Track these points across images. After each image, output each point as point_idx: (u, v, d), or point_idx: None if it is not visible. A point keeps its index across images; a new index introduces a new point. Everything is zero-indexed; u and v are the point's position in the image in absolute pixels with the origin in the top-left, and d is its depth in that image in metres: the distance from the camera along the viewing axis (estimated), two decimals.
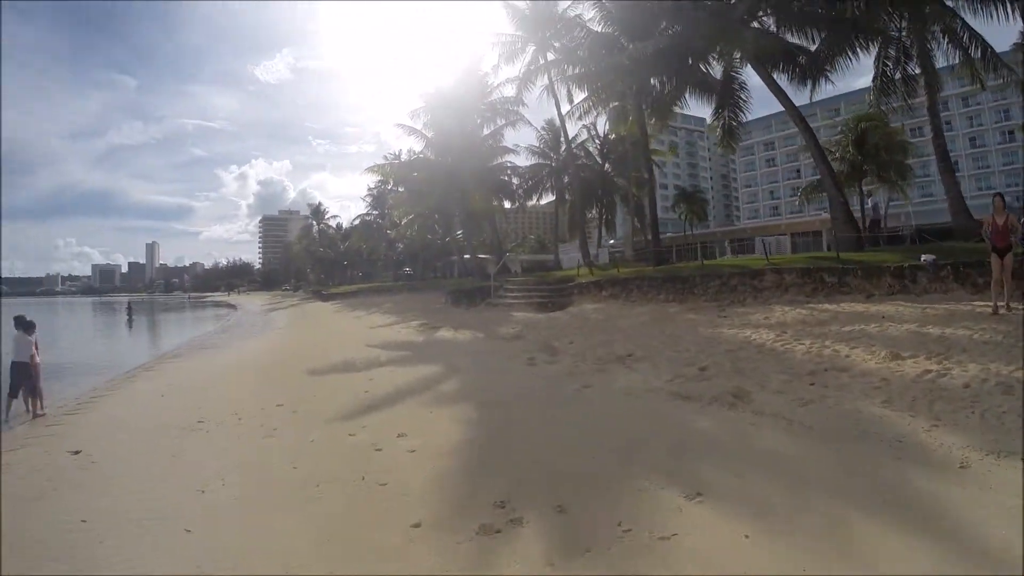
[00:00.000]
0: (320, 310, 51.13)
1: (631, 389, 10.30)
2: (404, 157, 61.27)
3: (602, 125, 50.09)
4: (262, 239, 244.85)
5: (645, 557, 4.47)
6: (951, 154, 26.64)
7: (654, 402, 9.33)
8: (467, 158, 44.11)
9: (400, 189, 57.89)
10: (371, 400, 11.09)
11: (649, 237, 39.09)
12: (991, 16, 22.36)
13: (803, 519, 4.91)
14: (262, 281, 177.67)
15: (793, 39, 25.98)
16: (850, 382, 8.97)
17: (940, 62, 24.69)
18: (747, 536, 4.66)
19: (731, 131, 29.30)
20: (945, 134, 26.29)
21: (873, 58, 25.26)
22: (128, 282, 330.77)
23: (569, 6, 35.81)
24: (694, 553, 4.48)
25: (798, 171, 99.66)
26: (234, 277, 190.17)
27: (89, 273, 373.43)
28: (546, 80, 37.66)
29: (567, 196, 51.33)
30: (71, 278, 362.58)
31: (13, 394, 12.19)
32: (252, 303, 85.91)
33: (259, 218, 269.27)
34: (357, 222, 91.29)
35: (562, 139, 45.78)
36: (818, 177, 34.30)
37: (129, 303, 65.91)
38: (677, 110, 33.26)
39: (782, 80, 26.30)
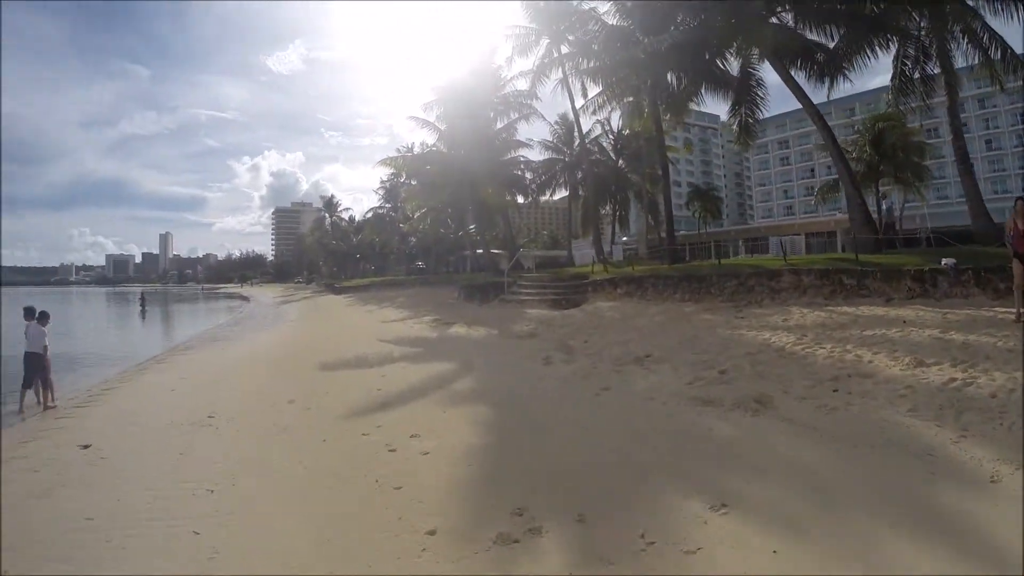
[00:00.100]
0: (332, 303, 51.11)
1: (650, 392, 10.07)
2: (417, 150, 61.21)
3: (616, 120, 49.95)
4: (275, 231, 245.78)
5: (670, 572, 4.30)
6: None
7: (675, 406, 9.10)
8: (480, 152, 43.80)
9: (413, 182, 57.57)
10: (384, 398, 10.94)
11: (663, 235, 38.86)
12: (1011, 16, 21.99)
13: (834, 535, 4.72)
14: (275, 273, 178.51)
15: (811, 36, 25.66)
16: (874, 389, 8.71)
17: (959, 62, 24.25)
18: (775, 552, 4.48)
19: (748, 128, 28.95)
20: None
21: (891, 57, 24.91)
22: (142, 272, 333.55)
23: None
24: (721, 569, 4.31)
25: (812, 170, 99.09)
26: (247, 269, 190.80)
27: (103, 263, 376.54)
28: (560, 74, 37.44)
29: (580, 192, 51.00)
30: (85, 268, 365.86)
31: (28, 385, 12.19)
32: (265, 295, 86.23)
33: (272, 210, 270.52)
34: (370, 215, 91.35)
35: (576, 134, 45.50)
36: (834, 177, 34.02)
37: (142, 294, 66.19)
38: (692, 107, 32.89)
39: (799, 77, 25.99)
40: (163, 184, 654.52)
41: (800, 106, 26.54)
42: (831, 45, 25.40)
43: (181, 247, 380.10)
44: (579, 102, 38.29)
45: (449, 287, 40.02)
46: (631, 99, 37.01)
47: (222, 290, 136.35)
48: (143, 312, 49.74)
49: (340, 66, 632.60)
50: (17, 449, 8.69)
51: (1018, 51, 23.39)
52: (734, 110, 28.76)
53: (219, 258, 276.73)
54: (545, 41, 37.74)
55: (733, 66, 29.10)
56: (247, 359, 18.67)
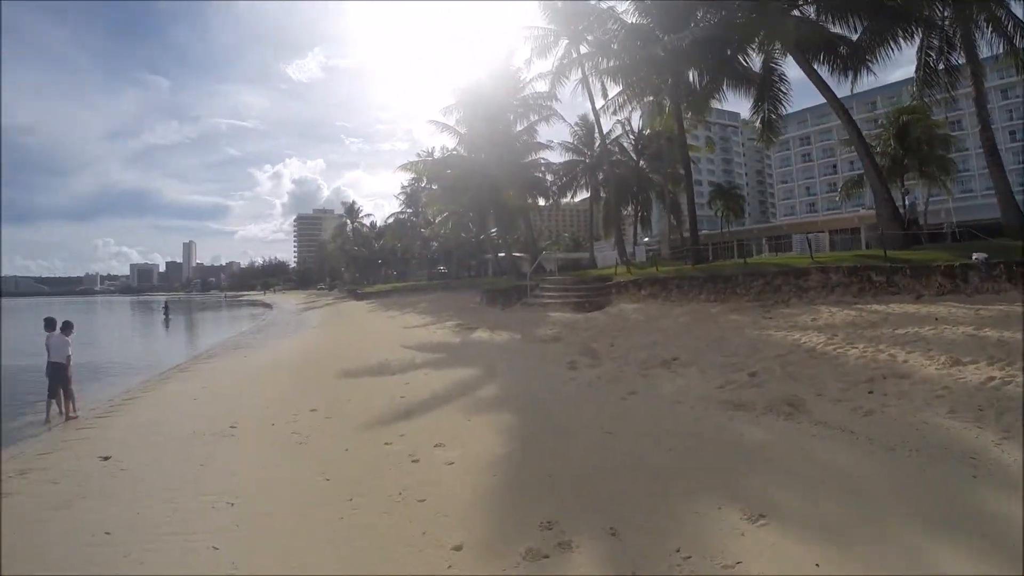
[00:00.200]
0: (354, 309, 51.20)
1: (679, 396, 9.89)
2: (437, 154, 61.17)
3: (636, 120, 49.62)
4: (297, 238, 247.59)
5: None
6: None
7: (705, 411, 8.90)
8: (500, 154, 43.74)
9: (434, 187, 57.56)
10: (407, 406, 10.79)
11: (685, 235, 38.54)
12: None
13: (877, 545, 4.58)
14: (297, 280, 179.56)
15: (834, 29, 25.29)
16: (911, 390, 8.56)
17: (982, 52, 23.77)
18: (818, 565, 4.33)
19: (771, 124, 28.54)
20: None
21: (915, 49, 24.43)
22: (166, 281, 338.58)
23: None
24: None
25: (834, 167, 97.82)
26: (270, 276, 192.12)
27: (127, 272, 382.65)
28: (579, 75, 37.25)
29: (602, 193, 50.72)
30: (110, 277, 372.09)
31: (53, 395, 12.19)
32: (287, 302, 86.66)
33: (294, 217, 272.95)
34: (391, 220, 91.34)
35: (596, 134, 45.32)
36: (857, 172, 33.57)
37: (166, 302, 66.84)
38: (713, 104, 32.62)
39: (822, 71, 25.62)
40: (185, 193, 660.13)
41: (820, 101, 26.22)
42: (854, 38, 25.00)
43: (204, 255, 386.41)
44: (599, 102, 38.23)
45: (471, 291, 39.95)
46: (651, 98, 36.80)
47: (245, 297, 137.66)
48: (166, 321, 50.26)
49: (359, 72, 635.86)
50: (37, 460, 8.66)
51: None
52: (757, 106, 28.35)
53: (242, 266, 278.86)
54: (564, 42, 37.62)
55: (755, 62, 28.77)
56: (269, 367, 18.61)
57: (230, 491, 6.73)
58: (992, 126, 24.12)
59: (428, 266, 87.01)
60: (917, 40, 24.11)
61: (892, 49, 24.11)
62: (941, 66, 24.10)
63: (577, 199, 59.94)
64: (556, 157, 51.28)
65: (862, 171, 31.17)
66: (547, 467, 6.87)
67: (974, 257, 16.40)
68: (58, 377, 12.16)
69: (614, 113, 39.25)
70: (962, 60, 23.68)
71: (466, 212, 53.45)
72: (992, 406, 7.35)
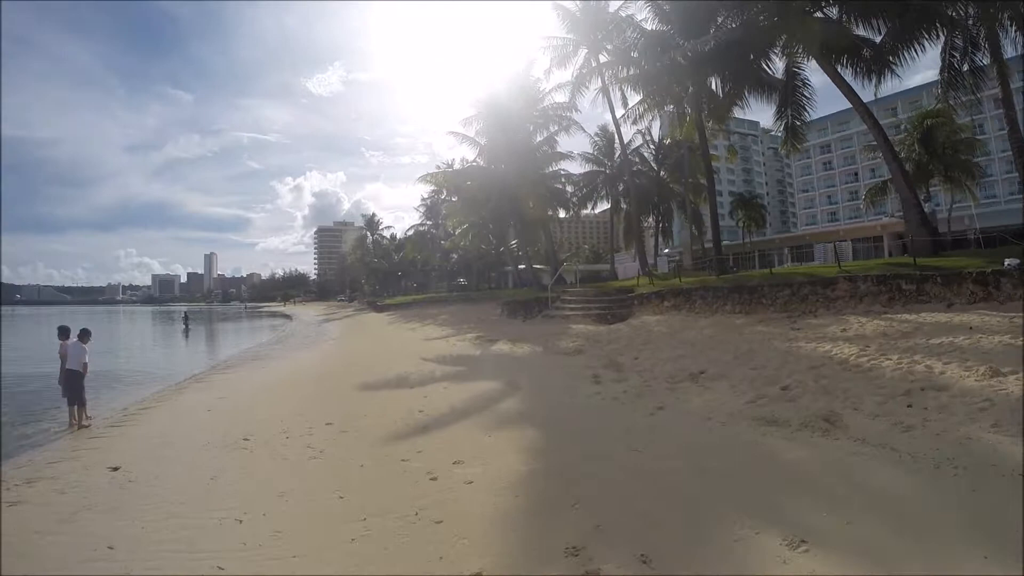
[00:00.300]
0: (374, 321, 51.13)
1: (709, 412, 9.56)
2: (457, 166, 61.20)
3: (657, 130, 49.45)
4: (317, 250, 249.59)
5: None
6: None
7: (737, 427, 8.56)
8: (520, 165, 43.51)
9: (453, 199, 57.49)
10: (425, 420, 10.53)
11: (707, 245, 38.16)
12: None
13: (928, 572, 4.23)
14: (317, 292, 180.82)
15: (857, 31, 24.85)
16: (951, 402, 8.20)
17: (1007, 51, 23.22)
18: None
19: (795, 131, 28.08)
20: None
21: (938, 50, 23.90)
22: (187, 292, 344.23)
23: (621, 6, 35.28)
24: None
25: (855, 174, 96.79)
26: (290, 288, 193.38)
27: (149, 283, 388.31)
28: (599, 83, 37.24)
29: (623, 204, 50.49)
30: (132, 287, 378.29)
31: (71, 401, 12.08)
32: (307, 313, 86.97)
33: (314, 229, 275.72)
34: (411, 232, 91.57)
35: (616, 144, 45.14)
36: (880, 179, 33.05)
37: (186, 312, 67.24)
38: (736, 111, 32.19)
39: (846, 74, 25.16)
40: (207, 206, 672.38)
41: (841, 108, 25.95)
42: (877, 39, 24.54)
43: (225, 267, 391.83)
44: (619, 112, 37.99)
45: (491, 303, 39.67)
46: (672, 107, 36.46)
47: (265, 309, 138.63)
48: (186, 330, 50.56)
49: (378, 86, 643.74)
50: (45, 469, 8.55)
51: None
52: (780, 112, 27.89)
53: (263, 277, 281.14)
54: (583, 51, 37.55)
55: (777, 67, 28.37)
56: (287, 378, 18.44)
57: (239, 507, 6.51)
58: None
59: (448, 278, 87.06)
60: (940, 41, 23.64)
61: (916, 52, 23.65)
62: (966, 67, 23.58)
63: (597, 210, 59.80)
64: (576, 168, 51.39)
65: (885, 178, 30.75)
66: (572, 488, 6.52)
67: (1006, 263, 15.99)
68: (73, 385, 12.05)
69: (634, 123, 39.09)
70: (986, 60, 23.15)
71: (486, 223, 53.21)
72: None
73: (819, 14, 25.19)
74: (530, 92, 43.81)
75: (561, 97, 42.24)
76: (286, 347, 32.64)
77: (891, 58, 24.01)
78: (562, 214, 55.76)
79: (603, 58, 36.29)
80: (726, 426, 8.67)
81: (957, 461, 6.29)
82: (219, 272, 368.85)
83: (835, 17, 25.19)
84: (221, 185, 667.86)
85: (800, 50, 25.88)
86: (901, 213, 29.27)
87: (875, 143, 27.52)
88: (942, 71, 23.94)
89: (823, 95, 26.62)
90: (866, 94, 25.62)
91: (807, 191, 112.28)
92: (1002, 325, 12.34)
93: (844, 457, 6.89)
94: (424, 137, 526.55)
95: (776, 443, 7.67)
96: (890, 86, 25.67)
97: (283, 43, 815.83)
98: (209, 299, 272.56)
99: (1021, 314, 12.92)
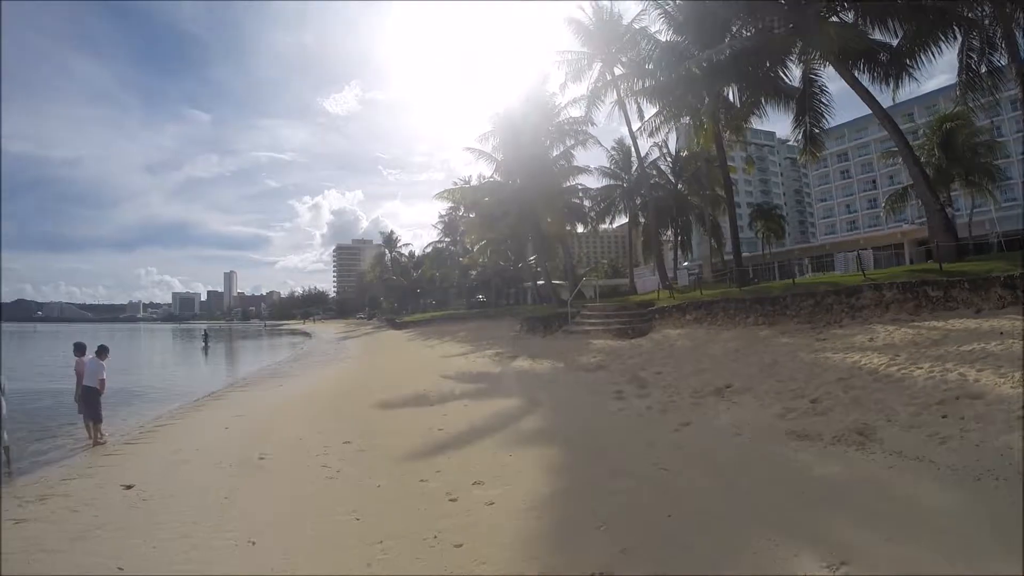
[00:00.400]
0: (393, 338, 51.16)
1: (737, 427, 9.27)
2: (474, 182, 61.16)
3: (673, 142, 49.27)
4: (336, 268, 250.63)
5: None
6: None
7: (767, 442, 8.27)
8: (538, 181, 43.33)
9: (471, 215, 57.46)
10: (445, 439, 10.34)
11: (726, 257, 37.85)
12: None
13: None
14: (337, 309, 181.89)
15: (872, 35, 24.57)
16: (987, 411, 7.87)
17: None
18: None
19: (813, 138, 27.79)
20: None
21: (955, 53, 23.54)
22: (207, 310, 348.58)
23: (635, 18, 35.27)
24: None
25: (874, 182, 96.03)
26: (309, 305, 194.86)
27: (170, 301, 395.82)
28: (614, 97, 37.24)
29: (641, 217, 50.20)
30: (152, 306, 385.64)
31: (90, 417, 12.07)
32: (326, 331, 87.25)
33: (333, 247, 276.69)
34: (429, 249, 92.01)
35: (633, 157, 45.07)
36: (900, 185, 32.66)
37: (205, 330, 67.57)
38: (753, 120, 31.93)
39: (863, 80, 24.85)
40: (227, 224, 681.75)
41: (857, 115, 25.63)
42: (893, 43, 24.26)
43: (245, 285, 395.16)
44: (635, 125, 37.95)
45: (510, 319, 39.48)
46: (688, 119, 36.27)
47: (285, 326, 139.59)
48: (206, 348, 50.87)
49: (395, 105, 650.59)
50: (59, 487, 8.50)
51: None
52: (798, 120, 27.64)
53: (282, 295, 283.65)
54: (598, 65, 37.60)
55: (794, 74, 28.11)
56: (305, 396, 18.31)
57: (253, 528, 6.37)
58: None
59: (467, 295, 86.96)
60: (957, 43, 23.31)
61: (933, 53, 23.37)
62: (983, 68, 23.24)
63: (615, 225, 59.58)
64: (593, 182, 51.05)
65: (904, 185, 30.37)
66: (597, 509, 6.25)
67: None
68: (90, 401, 12.05)
69: (651, 135, 38.92)
70: (1003, 61, 22.79)
71: (504, 239, 53.15)
72: None
73: (835, 18, 24.92)
74: (546, 106, 43.74)
75: (577, 111, 42.13)
76: (305, 365, 32.60)
77: (908, 61, 23.72)
78: (580, 229, 55.64)
79: (618, 71, 36.32)
80: (755, 442, 8.38)
81: (998, 472, 6.04)
82: (239, 290, 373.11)
83: (851, 21, 24.92)
84: (240, 204, 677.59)
85: (816, 56, 25.66)
86: (922, 219, 28.90)
87: (894, 149, 27.20)
88: (960, 72, 23.63)
89: (839, 102, 26.38)
90: (884, 99, 25.35)
91: (825, 200, 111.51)
92: None
93: (881, 472, 6.62)
94: (440, 154, 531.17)
95: (809, 458, 7.41)
96: (907, 91, 25.38)
97: (300, 63, 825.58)
98: (229, 317, 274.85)
99: None
